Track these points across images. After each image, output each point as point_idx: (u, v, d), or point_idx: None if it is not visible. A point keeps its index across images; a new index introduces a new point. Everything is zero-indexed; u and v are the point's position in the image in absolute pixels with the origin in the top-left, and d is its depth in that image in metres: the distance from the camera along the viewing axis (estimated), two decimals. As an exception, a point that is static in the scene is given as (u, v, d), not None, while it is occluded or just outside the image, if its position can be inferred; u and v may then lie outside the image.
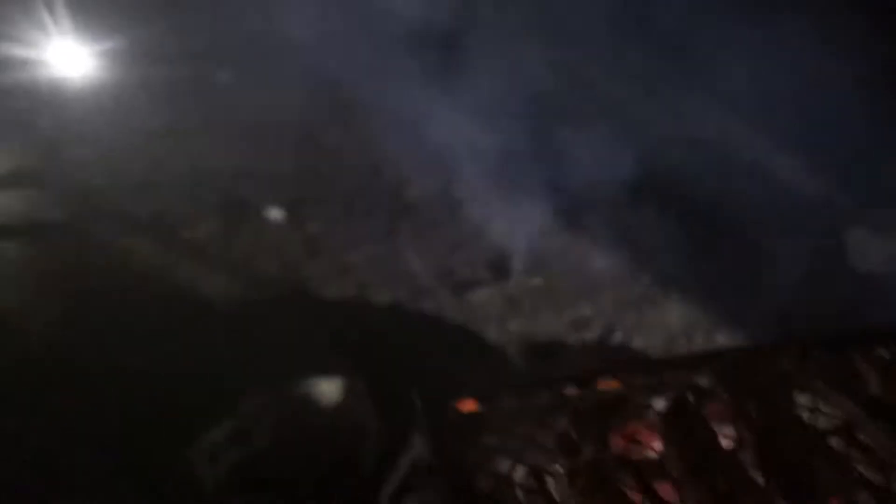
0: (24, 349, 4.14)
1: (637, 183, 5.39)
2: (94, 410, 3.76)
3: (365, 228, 5.54)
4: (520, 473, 1.84)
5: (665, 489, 1.71)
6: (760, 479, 1.70)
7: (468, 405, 2.09)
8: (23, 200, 5.35)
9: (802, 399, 1.97)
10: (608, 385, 2.10)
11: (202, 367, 4.08)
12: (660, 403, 1.94)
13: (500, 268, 5.13)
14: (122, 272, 4.84)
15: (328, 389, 3.51)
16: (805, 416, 1.90)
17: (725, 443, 1.84)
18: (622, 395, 2.05)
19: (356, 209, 5.78)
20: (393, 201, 5.81)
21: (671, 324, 4.79)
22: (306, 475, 3.01)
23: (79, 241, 5.03)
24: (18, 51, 6.79)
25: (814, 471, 1.66)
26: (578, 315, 4.80)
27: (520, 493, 1.72)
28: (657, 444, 1.80)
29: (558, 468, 1.70)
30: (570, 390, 2.11)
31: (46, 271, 4.76)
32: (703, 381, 2.03)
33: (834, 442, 1.85)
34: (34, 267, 4.77)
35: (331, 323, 4.54)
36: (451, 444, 1.91)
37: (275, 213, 5.65)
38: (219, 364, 4.10)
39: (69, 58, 6.96)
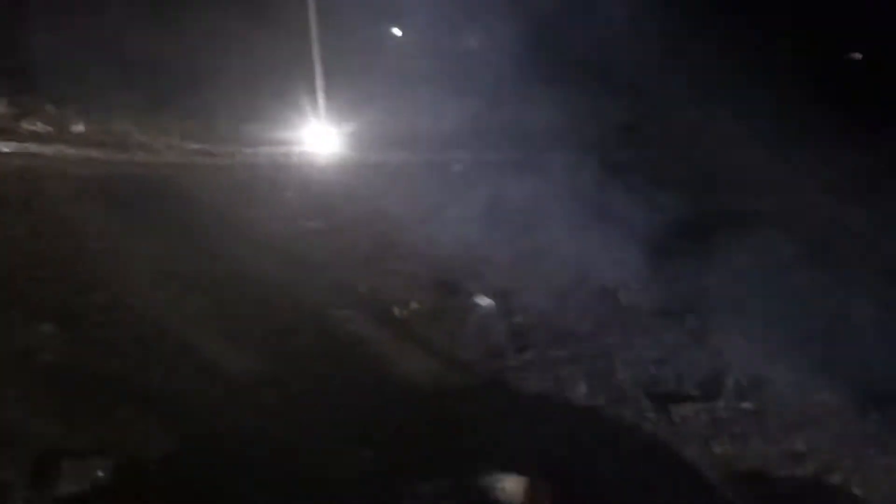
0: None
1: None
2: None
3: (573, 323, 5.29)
4: None
5: None
6: None
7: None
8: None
9: None
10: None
11: (390, 446, 3.92)
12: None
13: (710, 386, 4.69)
14: (333, 340, 4.82)
15: (512, 488, 3.24)
16: None
17: None
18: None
19: (569, 305, 5.55)
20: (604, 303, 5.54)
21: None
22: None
23: (293, 301, 5.09)
24: (278, 131, 7.21)
25: None
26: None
27: None
28: None
29: None
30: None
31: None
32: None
33: None
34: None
35: (523, 416, 4.27)
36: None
37: (485, 301, 5.51)
38: (406, 443, 3.93)
39: (320, 137, 7.29)
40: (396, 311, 5.30)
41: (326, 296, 5.26)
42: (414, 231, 6.16)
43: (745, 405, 4.52)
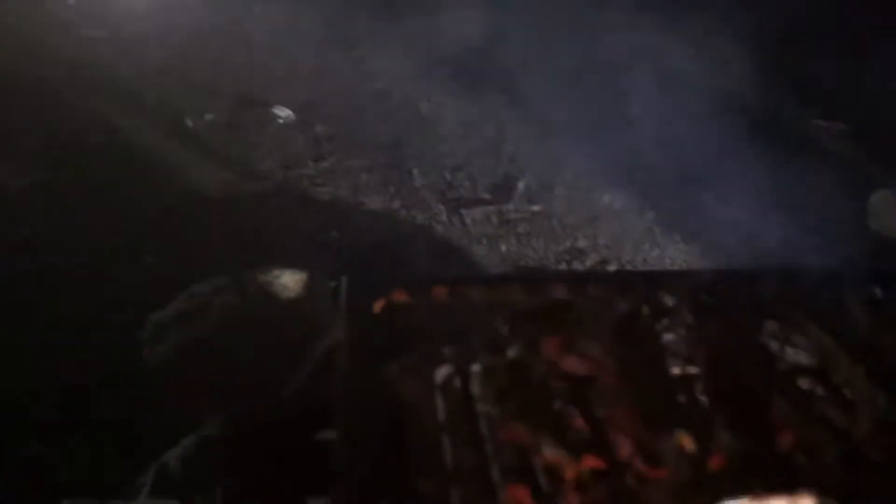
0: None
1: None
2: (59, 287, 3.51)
3: (373, 137, 5.20)
4: (435, 367, 1.53)
5: (592, 399, 1.39)
6: (706, 403, 1.37)
7: (399, 296, 1.77)
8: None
9: (775, 329, 1.62)
10: (557, 290, 1.77)
11: (174, 249, 3.80)
12: (610, 315, 1.60)
13: (502, 190, 4.78)
14: (117, 149, 4.55)
15: (290, 282, 3.20)
16: (774, 346, 1.55)
17: (674, 361, 1.50)
18: (569, 302, 1.71)
19: (368, 117, 5.44)
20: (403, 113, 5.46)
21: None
22: (245, 364, 2.73)
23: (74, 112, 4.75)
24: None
25: (769, 403, 1.32)
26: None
27: (432, 385, 1.41)
28: (595, 353, 1.47)
29: (479, 365, 1.38)
30: (514, 292, 1.79)
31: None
32: (667, 299, 1.69)
33: (800, 377, 1.51)
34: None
35: (317, 221, 4.23)
36: (369, 331, 1.60)
37: (285, 112, 5.33)
38: (191, 248, 3.82)
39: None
40: (189, 121, 5.04)
41: (112, 107, 4.93)
42: (211, 44, 5.80)
43: (535, 207, 4.64)
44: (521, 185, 4.81)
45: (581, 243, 4.41)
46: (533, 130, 5.27)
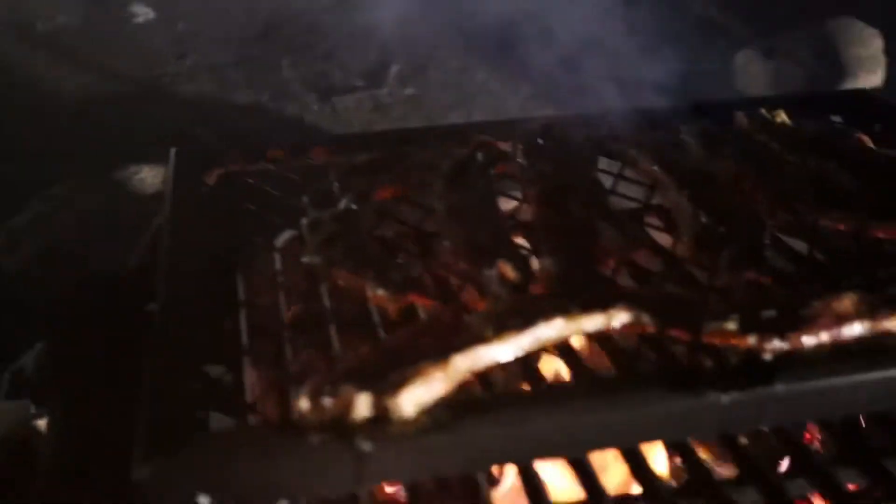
0: None
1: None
2: None
3: (240, 29, 5.00)
4: (269, 231, 1.49)
5: (419, 240, 1.38)
6: (533, 235, 1.37)
7: (233, 165, 1.70)
8: None
9: (608, 164, 1.63)
10: (393, 145, 1.74)
11: (31, 158, 3.62)
12: (444, 164, 1.57)
13: (374, 76, 4.68)
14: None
15: (149, 177, 3.10)
16: (606, 181, 1.56)
17: (504, 201, 1.50)
18: (403, 154, 1.68)
19: (232, 12, 5.22)
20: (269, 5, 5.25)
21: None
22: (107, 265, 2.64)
23: None
24: None
25: (595, 232, 1.33)
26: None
27: (269, 247, 1.37)
28: (426, 199, 1.45)
29: (305, 220, 1.34)
30: (352, 150, 1.74)
31: None
32: (502, 145, 1.67)
33: (630, 206, 1.53)
34: None
35: (182, 120, 4.07)
36: (199, 201, 1.53)
37: (143, 9, 5.06)
38: (48, 156, 3.64)
39: None
40: (40, 25, 4.75)
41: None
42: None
43: (408, 91, 4.56)
44: (393, 70, 4.71)
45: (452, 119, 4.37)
46: (404, 12, 5.13)
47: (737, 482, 1.16)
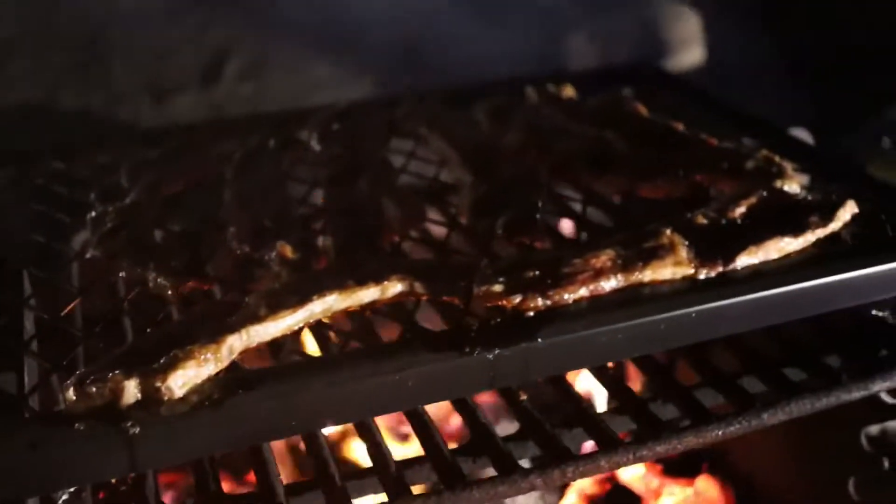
0: None
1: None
2: None
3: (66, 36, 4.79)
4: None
5: (200, 225, 1.39)
6: (316, 215, 1.40)
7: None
8: None
9: (398, 144, 1.68)
10: (187, 138, 1.74)
11: None
12: (237, 153, 1.59)
13: (210, 74, 4.59)
14: None
15: None
16: (395, 160, 1.61)
17: (293, 185, 1.53)
18: (198, 146, 1.68)
19: (59, 16, 5.00)
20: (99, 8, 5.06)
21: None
22: None
23: None
24: None
25: (380, 211, 1.37)
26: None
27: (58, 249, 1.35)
28: (218, 188, 1.46)
29: (88, 216, 1.32)
30: (142, 148, 1.74)
31: None
32: (301, 134, 1.69)
33: (416, 184, 1.59)
34: None
35: (7, 128, 3.88)
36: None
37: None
38: None
39: None
40: None
41: None
42: None
43: (245, 88, 4.50)
44: (229, 68, 4.64)
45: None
46: (242, 10, 5.07)
47: (517, 437, 1.24)
